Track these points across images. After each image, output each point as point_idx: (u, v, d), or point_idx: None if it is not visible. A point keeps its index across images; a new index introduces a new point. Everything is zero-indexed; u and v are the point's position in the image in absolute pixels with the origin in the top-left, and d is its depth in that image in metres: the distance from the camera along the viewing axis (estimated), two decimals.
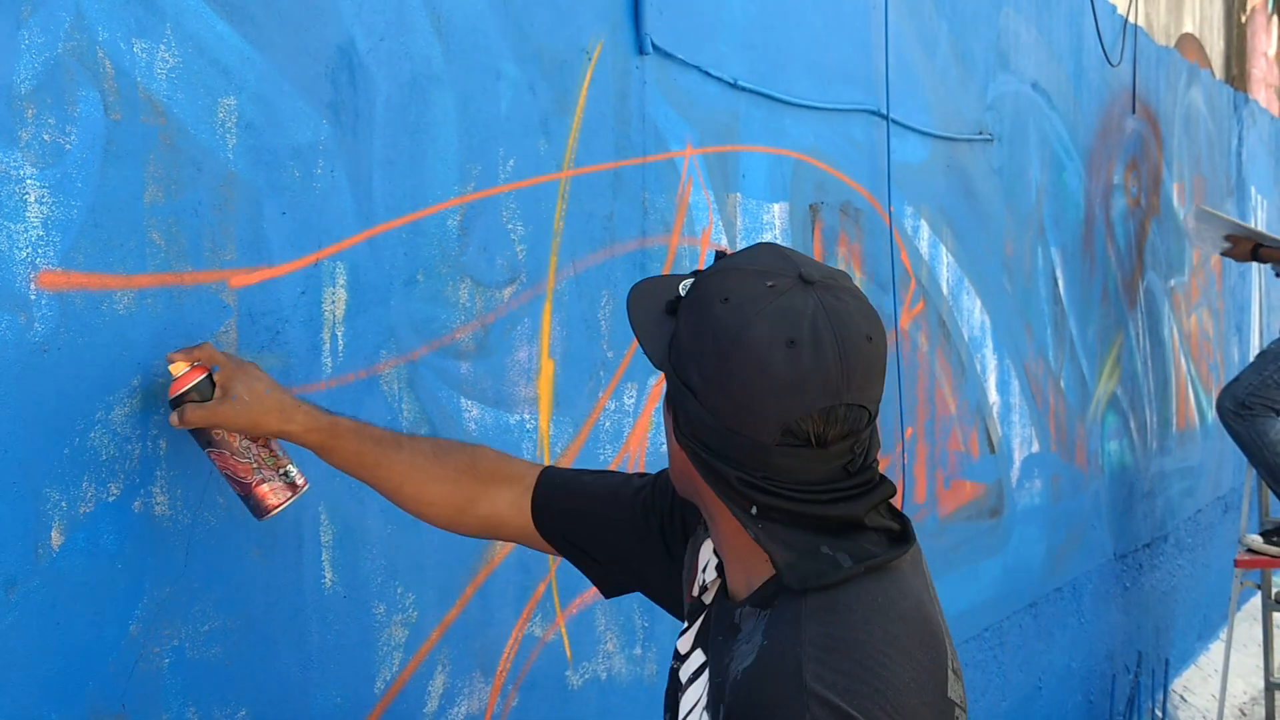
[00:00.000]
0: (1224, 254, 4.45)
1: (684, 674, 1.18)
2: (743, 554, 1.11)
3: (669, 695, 1.20)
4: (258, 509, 1.45)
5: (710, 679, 1.12)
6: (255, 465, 1.43)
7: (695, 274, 1.14)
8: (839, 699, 0.96)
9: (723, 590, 1.16)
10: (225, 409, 1.37)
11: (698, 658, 1.16)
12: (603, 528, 1.39)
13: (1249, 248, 4.31)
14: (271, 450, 1.45)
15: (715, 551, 1.19)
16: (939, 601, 1.13)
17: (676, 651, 1.21)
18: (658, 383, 2.26)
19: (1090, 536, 4.28)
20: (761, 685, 1.01)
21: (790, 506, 1.05)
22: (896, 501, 1.44)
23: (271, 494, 1.44)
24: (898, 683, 0.99)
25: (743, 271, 1.08)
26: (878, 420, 1.10)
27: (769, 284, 1.05)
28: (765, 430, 1.03)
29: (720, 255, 1.15)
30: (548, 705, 2.05)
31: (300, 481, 1.48)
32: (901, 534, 1.10)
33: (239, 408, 1.37)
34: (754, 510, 1.06)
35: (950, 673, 1.05)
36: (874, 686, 0.98)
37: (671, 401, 1.12)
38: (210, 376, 1.40)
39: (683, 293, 1.12)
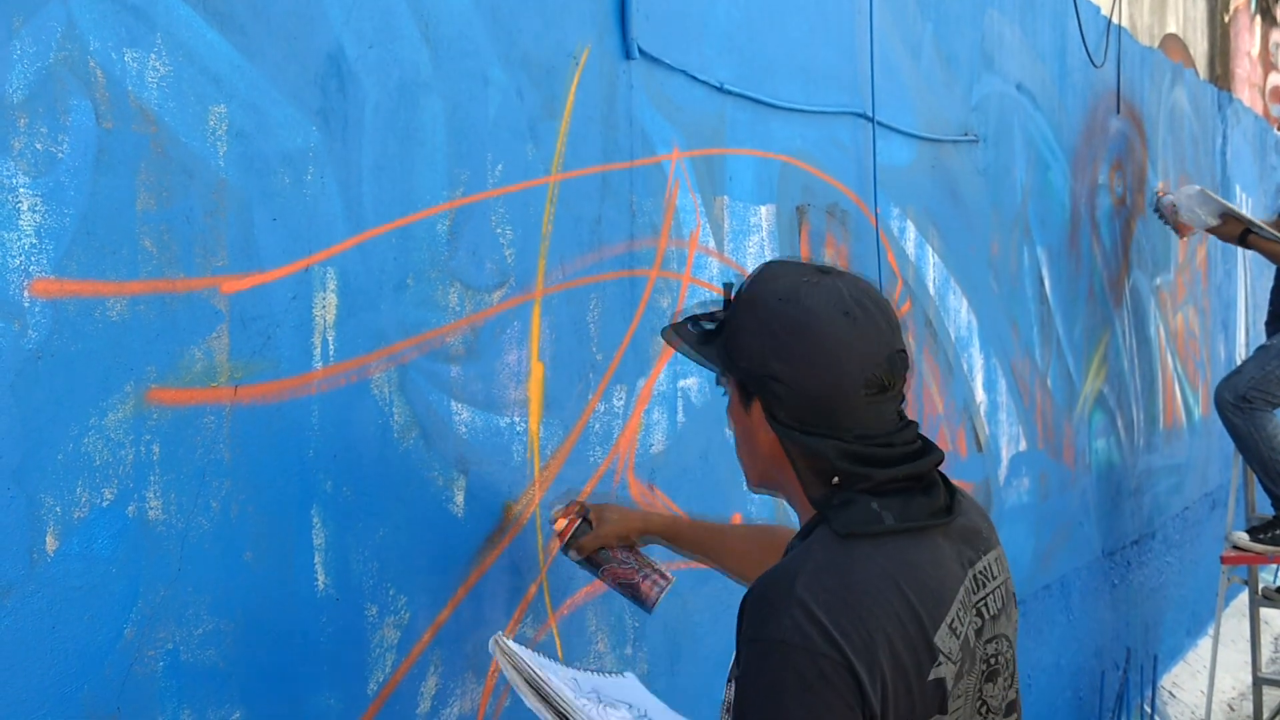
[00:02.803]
0: (1210, 230, 4.38)
1: None
2: (805, 514, 1.34)
3: None
4: (645, 601, 1.89)
5: None
6: (636, 568, 1.90)
7: (709, 314, 1.41)
8: (815, 606, 1.18)
9: None
10: (605, 530, 1.88)
11: None
12: None
13: (1239, 231, 4.29)
14: (640, 556, 1.91)
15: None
16: (1003, 567, 1.37)
17: None
18: (646, 385, 2.28)
19: (1078, 534, 4.30)
20: (764, 587, 1.24)
21: (875, 474, 1.26)
22: None
23: (652, 587, 1.89)
24: (871, 613, 1.19)
25: (778, 279, 1.33)
26: None
27: (804, 279, 1.31)
28: (852, 386, 1.26)
29: (729, 286, 1.40)
30: None
31: (669, 575, 1.91)
32: (948, 507, 1.31)
33: (612, 526, 1.88)
34: (835, 480, 1.28)
35: (946, 626, 1.23)
36: (850, 605, 1.18)
37: (760, 397, 1.32)
38: (585, 518, 1.89)
39: (709, 326, 1.39)
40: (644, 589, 1.88)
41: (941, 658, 1.23)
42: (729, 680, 1.30)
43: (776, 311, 1.30)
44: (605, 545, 1.88)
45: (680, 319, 1.45)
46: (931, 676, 1.22)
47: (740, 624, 1.25)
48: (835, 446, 1.26)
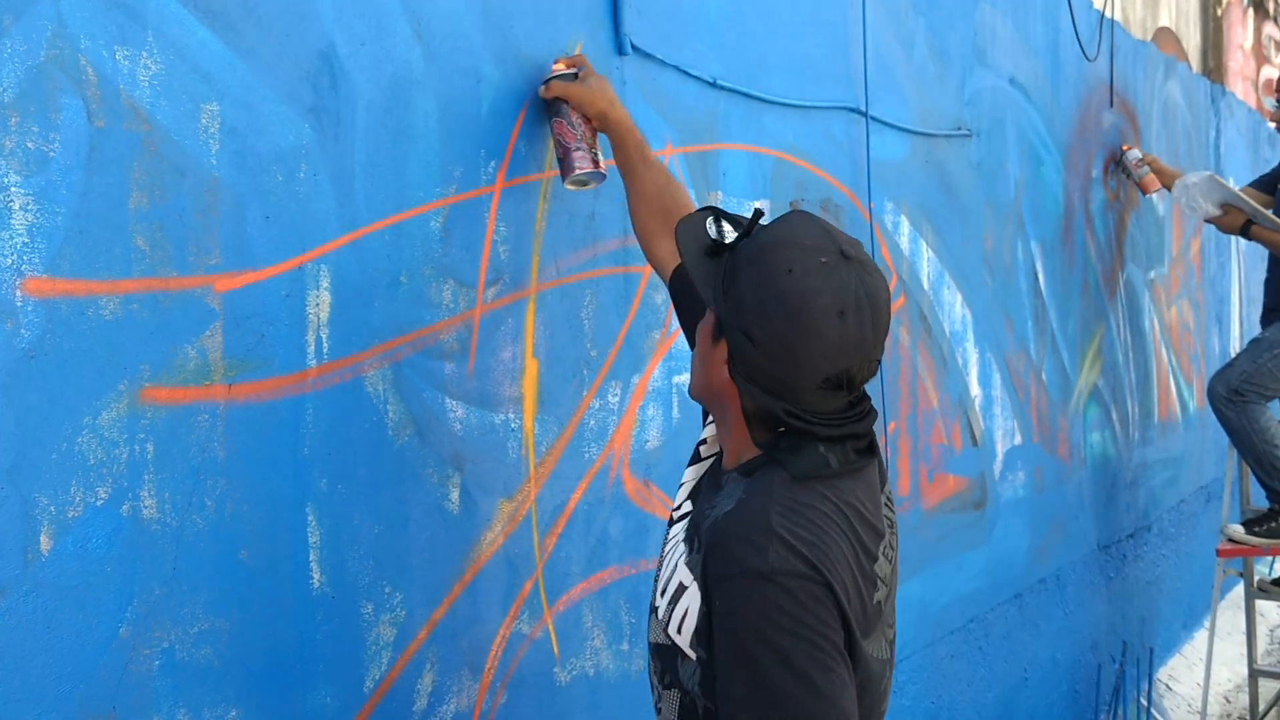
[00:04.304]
0: (1209, 220, 4.31)
1: (676, 515, 1.51)
2: (741, 444, 1.42)
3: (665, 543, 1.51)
4: (567, 168, 1.97)
5: (691, 519, 1.43)
6: (578, 137, 1.98)
7: (714, 210, 1.45)
8: (793, 539, 1.27)
9: (718, 461, 1.50)
10: (575, 86, 1.99)
11: (687, 506, 1.51)
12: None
13: (1241, 222, 4.24)
14: (593, 135, 1.99)
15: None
16: (892, 503, 1.50)
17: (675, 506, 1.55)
18: (641, 381, 2.28)
19: (1074, 527, 4.31)
20: (738, 525, 1.30)
21: (818, 431, 1.34)
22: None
23: (579, 160, 1.97)
24: (837, 545, 1.30)
25: (800, 246, 1.34)
26: None
27: (822, 260, 1.33)
28: (811, 378, 1.33)
29: (759, 214, 1.40)
30: (536, 702, 2.07)
31: (602, 165, 1.99)
32: (870, 446, 1.41)
33: (584, 89, 1.98)
34: (782, 429, 1.36)
35: (881, 555, 1.36)
36: (821, 540, 1.28)
37: (729, 342, 1.37)
38: (577, 74, 2.00)
39: (713, 235, 1.43)
40: (573, 156, 1.97)
41: (879, 583, 1.35)
42: (670, 601, 1.36)
43: (778, 280, 1.32)
44: (569, 100, 1.99)
45: (706, 209, 1.46)
46: (874, 600, 1.34)
47: (710, 562, 1.30)
48: (784, 408, 1.34)
